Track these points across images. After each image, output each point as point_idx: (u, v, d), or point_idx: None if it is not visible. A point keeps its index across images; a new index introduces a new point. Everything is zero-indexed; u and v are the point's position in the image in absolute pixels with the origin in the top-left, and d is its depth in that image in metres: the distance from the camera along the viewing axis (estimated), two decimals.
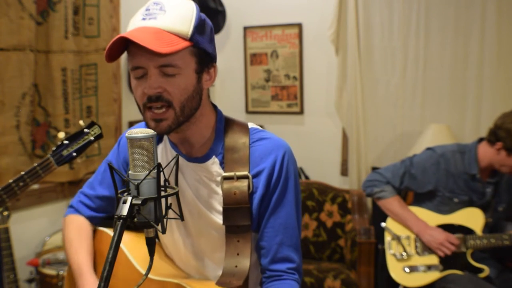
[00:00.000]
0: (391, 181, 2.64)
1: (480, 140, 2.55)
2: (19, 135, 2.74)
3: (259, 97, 3.97)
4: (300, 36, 3.77)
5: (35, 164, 1.95)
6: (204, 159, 1.28)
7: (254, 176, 1.26)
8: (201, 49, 1.19)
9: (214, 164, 1.28)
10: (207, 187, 1.29)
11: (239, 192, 1.24)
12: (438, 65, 3.34)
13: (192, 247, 1.36)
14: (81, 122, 2.02)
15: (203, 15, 1.22)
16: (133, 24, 1.19)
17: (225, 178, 1.25)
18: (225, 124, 1.32)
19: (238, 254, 1.24)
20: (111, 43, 1.14)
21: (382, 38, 3.45)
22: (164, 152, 1.34)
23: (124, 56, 3.72)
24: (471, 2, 3.20)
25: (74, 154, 1.96)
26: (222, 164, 1.28)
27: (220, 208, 1.26)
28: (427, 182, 2.58)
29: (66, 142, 1.96)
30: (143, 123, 1.31)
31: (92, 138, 1.98)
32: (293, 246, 1.29)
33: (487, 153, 2.47)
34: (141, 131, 0.99)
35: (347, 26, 3.47)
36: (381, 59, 3.47)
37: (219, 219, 1.27)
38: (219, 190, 1.27)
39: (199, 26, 1.18)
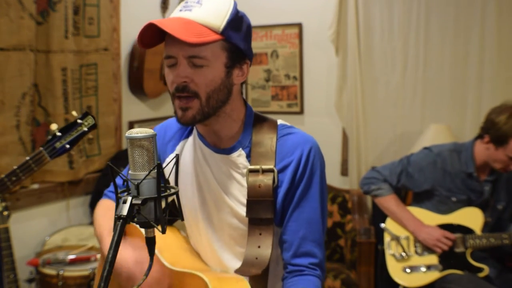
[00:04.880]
0: (388, 179, 2.65)
1: (476, 138, 2.56)
2: (19, 135, 2.74)
3: (259, 97, 3.97)
4: (300, 36, 3.77)
5: (27, 158, 1.89)
6: (230, 150, 1.30)
7: (280, 171, 1.27)
8: (233, 44, 1.21)
9: (240, 156, 1.29)
10: (232, 179, 1.30)
11: (264, 185, 1.25)
12: (438, 65, 3.34)
13: (215, 239, 1.36)
14: (74, 113, 1.95)
15: (241, 12, 1.24)
16: (171, 16, 1.23)
17: (251, 171, 1.26)
18: (254, 119, 1.34)
19: (259, 247, 1.25)
20: (142, 30, 1.17)
21: (382, 38, 3.45)
22: (193, 145, 1.36)
23: (124, 56, 3.72)
24: (471, 2, 3.20)
25: (68, 146, 1.90)
26: (248, 157, 1.29)
27: (244, 200, 1.27)
28: (423, 181, 2.58)
29: (59, 134, 1.89)
30: (173, 120, 1.37)
31: (85, 129, 1.91)
32: (316, 242, 1.28)
33: (481, 151, 2.48)
34: (141, 131, 0.99)
35: (347, 26, 3.47)
36: (381, 59, 3.47)
37: (242, 211, 1.28)
38: (244, 182, 1.28)
39: (234, 22, 1.20)
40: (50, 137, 1.91)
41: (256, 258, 1.24)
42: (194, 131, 1.36)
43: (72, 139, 1.91)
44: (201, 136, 1.34)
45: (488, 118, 2.43)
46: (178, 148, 1.39)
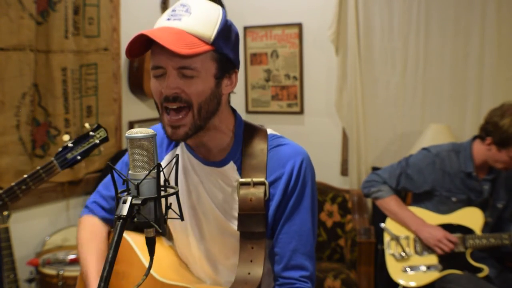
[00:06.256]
0: (388, 182, 2.65)
1: (475, 138, 2.56)
2: (19, 135, 2.74)
3: (259, 97, 3.97)
4: (300, 36, 3.77)
5: (38, 168, 1.93)
6: (221, 163, 1.27)
7: (271, 183, 1.25)
8: (223, 54, 1.18)
9: (231, 169, 1.27)
10: (223, 192, 1.28)
11: (255, 198, 1.23)
12: (438, 65, 3.34)
13: (205, 252, 1.34)
14: (86, 125, 1.99)
15: (229, 21, 1.21)
16: (157, 24, 1.19)
17: (242, 184, 1.24)
18: (244, 130, 1.31)
19: (251, 261, 1.23)
20: (132, 40, 1.14)
21: (382, 38, 3.45)
22: (181, 156, 1.32)
23: (124, 56, 3.72)
24: (471, 2, 3.20)
25: (79, 157, 1.94)
26: (239, 169, 1.27)
27: (236, 214, 1.25)
28: (423, 182, 2.58)
29: (70, 145, 1.93)
30: (157, 126, 1.32)
31: (97, 141, 1.95)
32: (307, 254, 1.27)
33: (480, 150, 2.49)
34: (141, 131, 0.99)
35: (347, 26, 3.47)
36: (381, 59, 3.47)
37: (234, 224, 1.26)
38: (236, 196, 1.25)
39: (223, 31, 1.17)
40: (61, 148, 1.94)
41: (249, 273, 1.22)
42: (182, 143, 1.33)
43: (84, 150, 1.95)
44: (189, 148, 1.31)
45: (489, 121, 2.41)
46: (167, 157, 1.35)
